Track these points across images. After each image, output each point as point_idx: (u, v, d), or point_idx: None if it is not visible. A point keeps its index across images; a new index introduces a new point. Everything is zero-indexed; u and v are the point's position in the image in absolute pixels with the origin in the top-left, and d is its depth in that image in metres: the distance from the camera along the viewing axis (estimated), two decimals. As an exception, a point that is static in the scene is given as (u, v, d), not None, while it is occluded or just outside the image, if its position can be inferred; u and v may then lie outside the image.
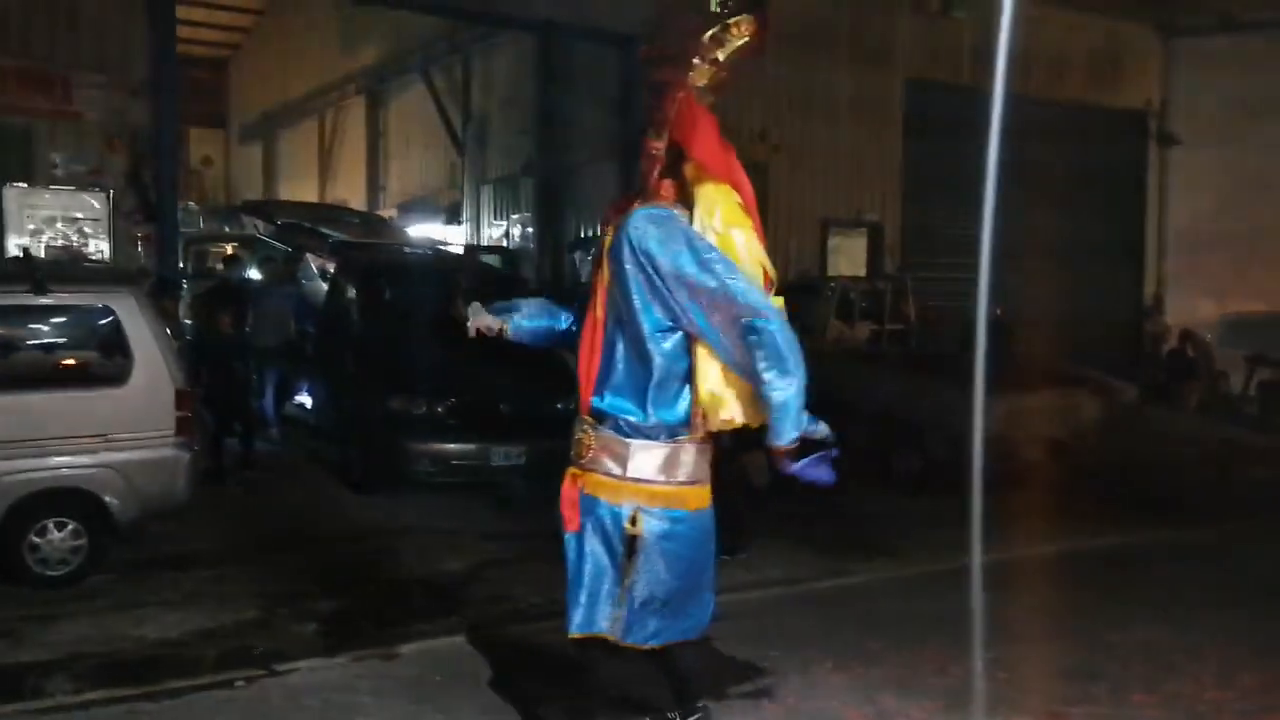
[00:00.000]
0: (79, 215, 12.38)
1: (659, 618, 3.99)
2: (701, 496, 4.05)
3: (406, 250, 13.53)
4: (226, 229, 17.65)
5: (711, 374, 3.91)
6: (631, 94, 14.89)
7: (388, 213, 21.27)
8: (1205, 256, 21.28)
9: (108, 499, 6.97)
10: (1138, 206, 22.12)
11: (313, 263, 12.27)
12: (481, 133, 19.65)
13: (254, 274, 14.16)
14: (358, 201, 22.64)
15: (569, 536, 4.04)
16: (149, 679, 5.34)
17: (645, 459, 3.95)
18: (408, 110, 22.11)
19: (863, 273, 18.33)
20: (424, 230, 18.83)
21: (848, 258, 18.75)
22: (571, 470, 4.07)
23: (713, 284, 3.78)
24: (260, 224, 14.73)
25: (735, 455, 7.19)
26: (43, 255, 11.61)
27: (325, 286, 11.63)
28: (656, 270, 3.82)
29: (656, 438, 3.96)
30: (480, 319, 4.44)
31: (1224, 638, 6.15)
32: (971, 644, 3.81)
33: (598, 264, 4.09)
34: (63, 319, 7.78)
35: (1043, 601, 5.65)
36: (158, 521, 7.53)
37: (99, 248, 12.44)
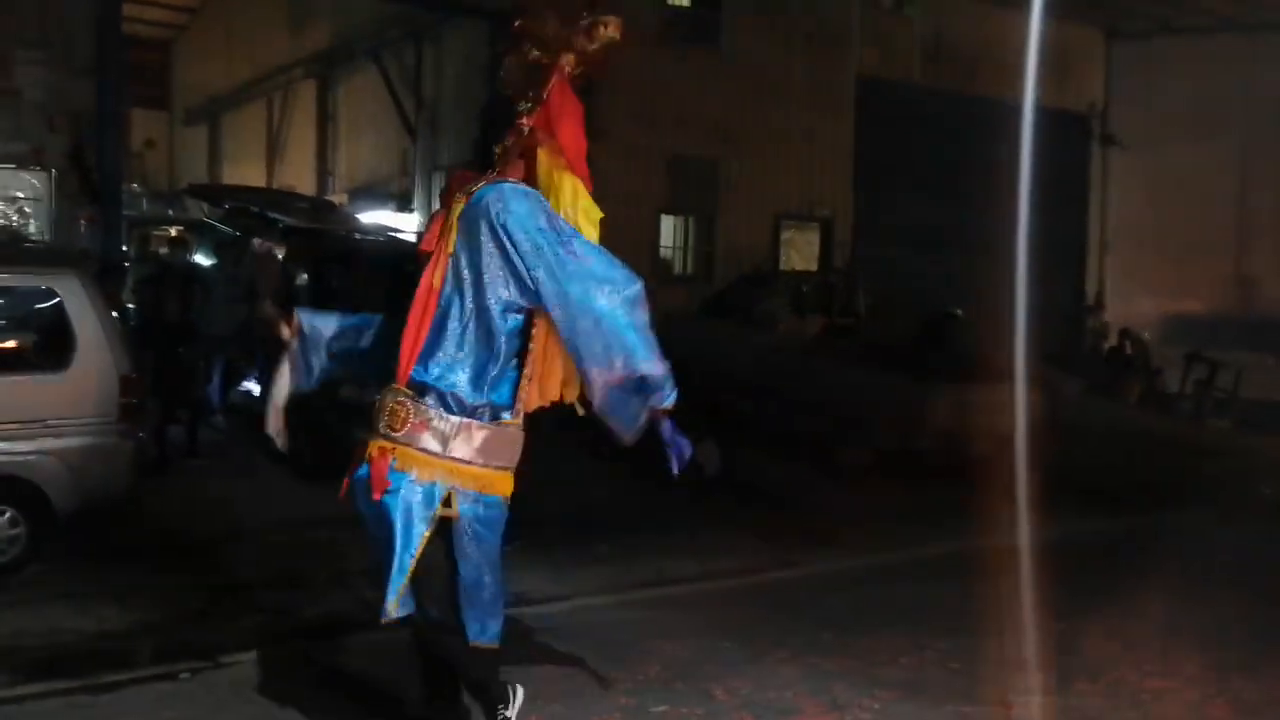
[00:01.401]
0: (19, 194, 12.12)
1: (480, 609, 3.91)
2: (509, 483, 3.98)
3: (357, 236, 13.37)
4: (170, 212, 17.40)
5: (545, 352, 3.92)
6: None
7: (337, 198, 21.01)
8: (1145, 256, 21.68)
9: (47, 487, 6.78)
10: (1080, 206, 22.43)
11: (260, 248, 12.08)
12: (434, 118, 19.46)
13: (199, 258, 13.93)
14: (306, 186, 22.31)
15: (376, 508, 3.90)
16: (88, 672, 5.22)
17: (467, 439, 3.86)
18: (359, 94, 21.84)
19: (814, 266, 18.49)
20: (374, 217, 18.62)
21: (800, 251, 18.88)
22: (379, 443, 3.94)
23: (571, 264, 3.75)
24: (207, 207, 14.50)
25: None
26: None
27: (273, 272, 11.44)
28: (515, 246, 3.76)
29: (481, 418, 3.88)
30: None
31: (1165, 626, 6.24)
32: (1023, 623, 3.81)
33: (439, 233, 3.95)
34: (2, 300, 7.59)
35: (991, 592, 5.72)
36: (100, 510, 7.36)
37: (39, 228, 12.19)
